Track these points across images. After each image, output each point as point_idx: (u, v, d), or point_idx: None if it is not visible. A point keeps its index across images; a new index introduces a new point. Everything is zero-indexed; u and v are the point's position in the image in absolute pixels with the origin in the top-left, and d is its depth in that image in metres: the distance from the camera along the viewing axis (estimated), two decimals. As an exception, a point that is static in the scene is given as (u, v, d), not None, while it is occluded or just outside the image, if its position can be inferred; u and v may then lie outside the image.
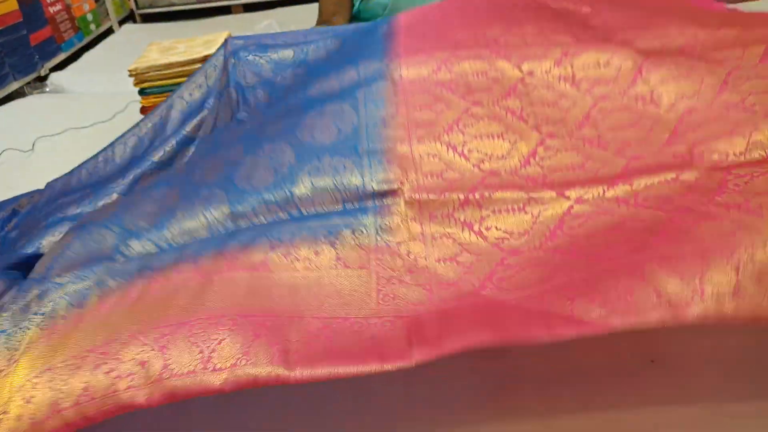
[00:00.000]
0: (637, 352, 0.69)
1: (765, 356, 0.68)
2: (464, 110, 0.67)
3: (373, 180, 0.61)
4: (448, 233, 0.59)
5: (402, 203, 0.60)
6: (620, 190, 0.59)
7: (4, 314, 0.61)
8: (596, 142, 0.63)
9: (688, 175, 0.57)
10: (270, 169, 0.63)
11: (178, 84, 1.37)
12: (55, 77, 2.19)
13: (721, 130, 0.59)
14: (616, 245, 0.54)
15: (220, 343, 0.49)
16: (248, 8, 3.23)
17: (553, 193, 0.60)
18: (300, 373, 0.46)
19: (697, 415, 0.62)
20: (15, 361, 0.54)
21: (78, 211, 1.04)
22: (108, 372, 0.49)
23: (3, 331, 0.60)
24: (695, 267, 0.47)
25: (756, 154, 0.56)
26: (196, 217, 0.63)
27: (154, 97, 1.38)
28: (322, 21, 1.42)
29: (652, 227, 0.54)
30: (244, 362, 0.47)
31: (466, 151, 0.64)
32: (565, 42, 0.72)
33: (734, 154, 0.57)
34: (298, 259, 0.55)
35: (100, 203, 1.02)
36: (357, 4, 1.39)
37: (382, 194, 0.61)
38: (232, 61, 0.95)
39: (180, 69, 1.36)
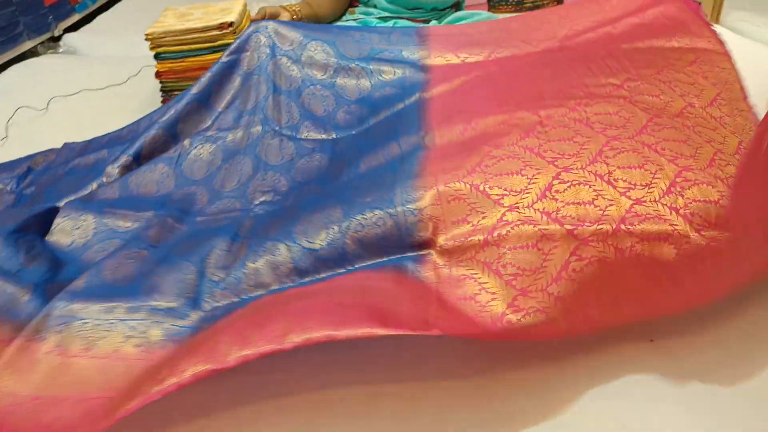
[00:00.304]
0: (638, 332, 0.72)
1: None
2: (486, 153, 0.74)
3: (409, 232, 0.70)
4: (471, 275, 0.66)
5: (434, 253, 0.69)
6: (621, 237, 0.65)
7: (95, 306, 0.70)
8: (606, 178, 0.69)
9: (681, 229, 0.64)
10: (323, 226, 0.74)
11: (194, 50, 1.38)
12: (68, 38, 2.19)
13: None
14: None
15: None
16: (263, -22, 3.20)
17: (564, 231, 0.65)
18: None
19: (693, 391, 0.65)
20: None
21: (93, 163, 1.07)
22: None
23: (83, 320, 0.68)
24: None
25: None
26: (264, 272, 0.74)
27: (170, 63, 1.38)
28: None
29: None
30: None
31: (488, 189, 0.70)
32: (579, 95, 0.82)
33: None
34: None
35: (117, 165, 1.04)
36: None
37: (419, 245, 0.70)
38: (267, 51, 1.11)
39: (196, 35, 1.36)
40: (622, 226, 0.64)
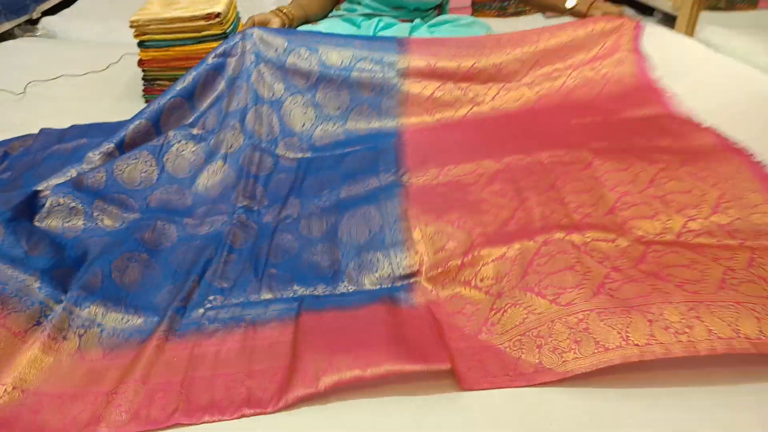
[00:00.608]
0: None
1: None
2: (457, 199, 0.89)
3: (400, 267, 0.82)
4: (456, 293, 0.78)
5: (422, 280, 0.80)
6: (576, 237, 0.78)
7: (113, 315, 0.77)
8: (560, 201, 0.85)
9: (621, 241, 0.76)
10: (327, 265, 0.86)
11: (179, 39, 1.37)
12: (46, 21, 2.15)
13: (646, 214, 0.80)
14: (569, 288, 0.71)
15: None
16: (247, -30, 3.18)
17: (526, 240, 0.79)
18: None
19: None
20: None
21: (72, 150, 1.06)
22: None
23: (102, 328, 0.76)
24: (621, 319, 0.66)
25: (668, 237, 0.76)
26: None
27: (154, 51, 1.37)
28: None
29: (594, 278, 0.71)
30: None
31: (461, 224, 0.85)
32: (539, 146, 0.96)
33: (653, 234, 0.77)
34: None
35: (98, 151, 1.03)
36: None
37: (408, 276, 0.81)
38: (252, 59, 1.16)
39: (182, 24, 1.35)
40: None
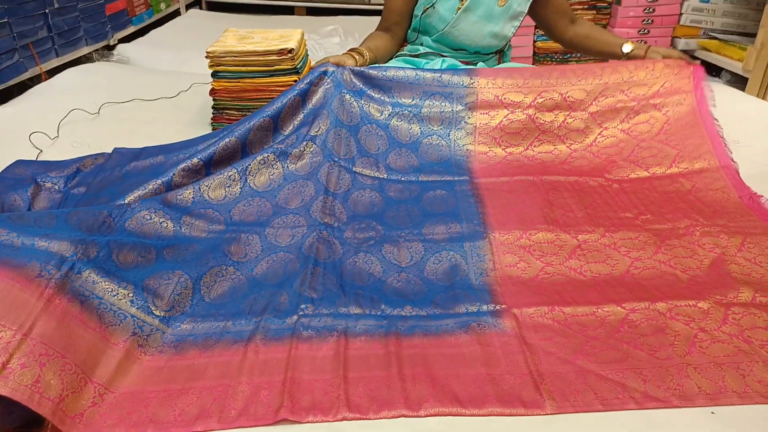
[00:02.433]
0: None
1: None
2: (541, 268, 0.97)
3: (486, 306, 0.88)
4: (543, 323, 0.84)
5: (507, 319, 0.85)
6: (661, 306, 0.86)
7: (204, 324, 0.83)
8: (637, 285, 0.93)
9: (703, 305, 0.86)
10: (412, 292, 0.92)
11: (251, 72, 1.41)
12: (122, 48, 2.26)
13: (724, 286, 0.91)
14: (663, 346, 0.79)
15: None
16: (310, 12, 3.30)
17: (615, 306, 0.87)
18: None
19: None
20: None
21: (150, 167, 1.11)
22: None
23: (194, 336, 0.81)
24: (717, 373, 0.75)
25: (743, 298, 0.88)
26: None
27: (226, 81, 1.41)
28: (382, 27, 1.48)
29: (686, 338, 0.81)
30: None
31: (544, 286, 0.93)
32: (605, 224, 1.07)
33: (730, 297, 0.88)
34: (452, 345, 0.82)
35: (186, 166, 1.06)
36: (418, 19, 1.43)
37: (493, 313, 0.87)
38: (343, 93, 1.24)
39: (256, 58, 1.39)
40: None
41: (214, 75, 1.42)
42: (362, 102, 1.24)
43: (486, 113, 1.26)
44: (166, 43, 2.35)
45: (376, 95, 1.25)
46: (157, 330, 0.80)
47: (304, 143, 1.16)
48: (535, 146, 1.26)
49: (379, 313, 0.85)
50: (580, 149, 1.26)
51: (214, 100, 1.45)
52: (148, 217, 0.95)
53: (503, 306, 0.87)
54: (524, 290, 0.92)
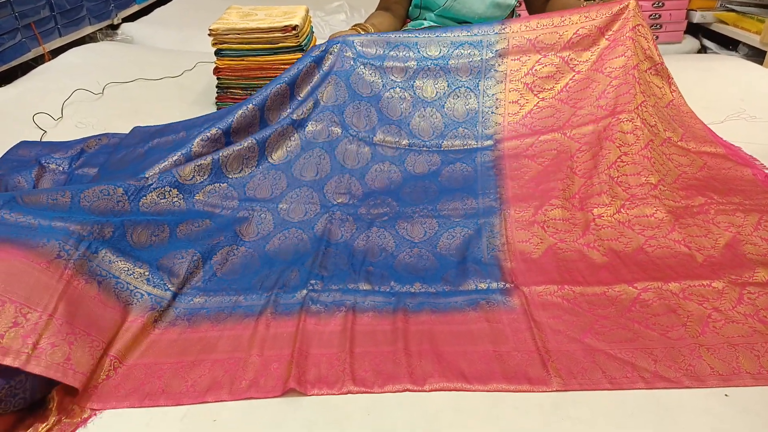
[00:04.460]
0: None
1: None
2: (553, 244, 0.97)
3: (495, 283, 0.88)
4: (552, 301, 0.84)
5: (516, 297, 0.85)
6: (674, 286, 0.85)
7: (217, 298, 0.85)
8: (650, 264, 0.91)
9: (717, 284, 0.85)
10: (423, 267, 0.93)
11: (255, 50, 1.38)
12: (126, 27, 2.23)
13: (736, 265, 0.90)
14: (676, 326, 0.78)
15: None
16: (317, -13, 3.23)
17: (626, 286, 0.86)
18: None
19: None
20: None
21: (173, 142, 1.11)
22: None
23: (207, 309, 0.83)
24: (730, 353, 0.74)
25: (759, 278, 0.86)
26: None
27: (229, 60, 1.38)
28: (382, 6, 1.45)
29: (699, 318, 0.79)
30: None
31: (555, 263, 0.92)
32: (624, 195, 1.05)
33: (746, 277, 0.86)
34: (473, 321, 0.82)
35: (206, 136, 1.04)
36: None
37: (502, 291, 0.87)
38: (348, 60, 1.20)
39: (259, 35, 1.36)
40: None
41: (217, 53, 1.40)
42: (385, 66, 1.20)
43: (517, 59, 1.20)
44: (170, 22, 2.31)
45: (400, 53, 1.20)
46: (172, 305, 0.82)
47: (322, 115, 1.14)
48: (569, 88, 1.19)
49: (388, 289, 0.86)
50: (615, 85, 1.17)
51: (218, 79, 1.43)
52: (162, 195, 0.94)
53: (512, 284, 0.87)
54: (534, 267, 0.91)
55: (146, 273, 0.83)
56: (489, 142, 1.17)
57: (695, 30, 2.37)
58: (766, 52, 1.94)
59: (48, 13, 1.87)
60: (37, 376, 0.63)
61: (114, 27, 2.29)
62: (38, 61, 1.81)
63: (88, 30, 2.11)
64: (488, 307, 0.82)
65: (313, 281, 0.86)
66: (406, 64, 1.20)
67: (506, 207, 1.04)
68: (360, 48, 1.20)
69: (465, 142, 1.17)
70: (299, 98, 1.16)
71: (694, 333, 0.76)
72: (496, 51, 1.20)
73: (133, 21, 2.30)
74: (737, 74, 1.66)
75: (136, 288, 0.81)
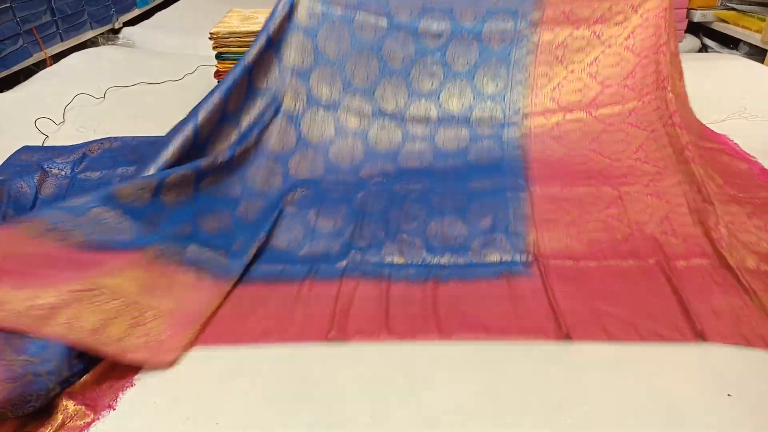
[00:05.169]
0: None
1: None
2: (578, 215, 1.01)
3: (518, 254, 0.95)
4: (569, 274, 0.90)
5: (536, 267, 0.93)
6: (681, 264, 0.91)
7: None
8: (671, 233, 0.97)
9: (715, 265, 0.90)
10: (453, 236, 1.00)
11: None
12: (127, 31, 2.24)
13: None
14: (678, 295, 0.85)
15: None
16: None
17: (639, 260, 0.92)
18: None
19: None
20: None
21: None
22: None
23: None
24: (732, 318, 0.80)
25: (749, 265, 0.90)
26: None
27: (230, 63, 1.39)
28: None
29: (700, 290, 0.85)
30: None
31: (577, 235, 0.98)
32: (651, 171, 1.07)
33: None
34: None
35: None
36: None
37: (525, 263, 0.94)
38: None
39: (260, 38, 1.36)
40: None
41: (218, 57, 1.40)
42: (419, 33, 1.20)
43: (550, 30, 1.20)
44: (172, 26, 2.32)
45: (432, 23, 1.20)
46: (234, 270, 0.90)
47: (349, 96, 1.18)
48: (598, 62, 1.20)
49: (420, 262, 0.94)
50: (644, 64, 1.18)
51: (219, 82, 1.43)
52: (219, 179, 1.03)
53: (534, 256, 0.94)
54: (557, 238, 0.97)
55: (222, 257, 0.92)
56: (515, 120, 1.19)
57: (696, 29, 2.37)
58: (767, 50, 1.93)
59: (49, 18, 1.88)
60: (51, 386, 0.65)
61: (115, 31, 2.29)
62: (40, 65, 1.82)
63: (89, 34, 2.12)
64: (511, 277, 0.90)
65: (352, 251, 0.95)
66: (440, 30, 1.20)
67: (532, 184, 1.09)
68: (391, 7, 1.20)
69: (493, 116, 1.20)
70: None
71: (695, 300, 0.82)
72: (530, 21, 1.21)
73: (134, 25, 2.31)
74: (738, 73, 1.66)
75: (218, 265, 0.90)
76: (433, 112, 1.19)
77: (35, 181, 1.09)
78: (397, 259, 0.95)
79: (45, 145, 1.28)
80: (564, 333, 0.78)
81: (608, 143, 1.14)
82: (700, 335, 0.77)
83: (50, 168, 1.14)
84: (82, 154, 1.20)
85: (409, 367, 0.74)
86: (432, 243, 0.97)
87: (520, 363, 0.74)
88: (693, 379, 0.71)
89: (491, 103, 1.20)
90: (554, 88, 1.20)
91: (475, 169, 1.14)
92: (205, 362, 0.75)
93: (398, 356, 0.76)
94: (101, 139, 1.27)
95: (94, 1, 2.12)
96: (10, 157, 1.19)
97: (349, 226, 1.01)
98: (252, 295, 0.87)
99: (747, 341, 0.76)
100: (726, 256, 0.90)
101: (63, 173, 1.14)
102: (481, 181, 1.10)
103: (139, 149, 1.24)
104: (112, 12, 2.27)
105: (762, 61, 1.83)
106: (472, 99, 1.20)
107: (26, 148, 1.23)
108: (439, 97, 1.20)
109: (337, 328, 0.79)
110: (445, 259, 0.95)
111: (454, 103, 1.20)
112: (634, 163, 1.10)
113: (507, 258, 0.94)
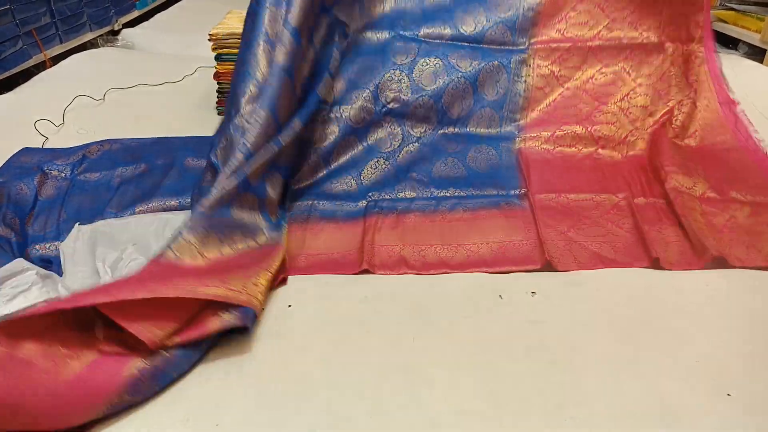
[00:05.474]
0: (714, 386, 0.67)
1: None
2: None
3: (514, 191, 1.15)
4: (551, 205, 1.09)
5: (526, 201, 1.11)
6: (640, 200, 1.09)
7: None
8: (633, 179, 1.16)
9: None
10: (455, 176, 1.17)
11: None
12: (126, 33, 2.24)
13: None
14: (638, 226, 1.03)
15: None
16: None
17: (611, 195, 1.11)
18: None
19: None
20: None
21: None
22: None
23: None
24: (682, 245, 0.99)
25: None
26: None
27: (230, 64, 1.39)
28: None
29: (654, 220, 1.05)
30: None
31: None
32: (646, 180, 1.17)
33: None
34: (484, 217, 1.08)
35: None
36: None
37: (518, 196, 1.13)
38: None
39: (259, 40, 1.36)
40: None
41: (217, 58, 1.40)
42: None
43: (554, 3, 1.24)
44: (171, 27, 2.32)
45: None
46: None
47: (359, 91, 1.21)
48: (603, 34, 1.25)
49: (428, 195, 1.12)
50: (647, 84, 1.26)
51: (218, 83, 1.43)
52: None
53: (525, 190, 1.12)
54: (543, 176, 1.14)
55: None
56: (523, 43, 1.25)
57: (695, 29, 2.36)
58: (766, 50, 1.94)
59: (49, 19, 1.88)
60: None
61: (114, 33, 2.30)
62: (39, 67, 1.82)
63: (88, 36, 2.12)
64: (507, 207, 1.09)
65: (370, 193, 1.12)
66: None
67: (523, 132, 1.24)
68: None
69: (500, 50, 1.25)
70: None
71: (658, 229, 1.00)
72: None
73: (133, 27, 2.31)
74: (737, 73, 1.65)
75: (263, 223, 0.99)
76: (447, 31, 1.24)
77: (35, 183, 1.09)
78: (409, 194, 1.12)
79: (45, 147, 1.28)
80: (543, 260, 0.95)
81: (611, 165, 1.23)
82: (655, 261, 0.93)
83: (50, 170, 1.14)
84: (82, 156, 1.21)
85: (409, 367, 0.74)
86: (437, 180, 1.15)
87: (520, 363, 0.74)
88: (692, 379, 0.71)
89: (499, 47, 1.25)
90: (559, 54, 1.26)
91: (474, 138, 1.24)
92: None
93: (398, 356, 0.76)
94: (101, 140, 1.27)
95: (93, 2, 2.13)
96: (9, 159, 1.19)
97: (364, 165, 1.16)
98: (331, 233, 1.03)
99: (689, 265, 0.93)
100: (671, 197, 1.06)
101: (63, 175, 1.14)
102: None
103: (139, 151, 1.24)
104: (111, 14, 2.27)
105: (761, 61, 1.84)
106: (485, 20, 1.24)
107: (26, 150, 1.23)
108: (454, 15, 1.24)
109: (366, 262, 0.95)
110: (450, 192, 1.12)
111: (471, 23, 1.25)
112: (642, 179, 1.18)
113: (503, 192, 1.12)
